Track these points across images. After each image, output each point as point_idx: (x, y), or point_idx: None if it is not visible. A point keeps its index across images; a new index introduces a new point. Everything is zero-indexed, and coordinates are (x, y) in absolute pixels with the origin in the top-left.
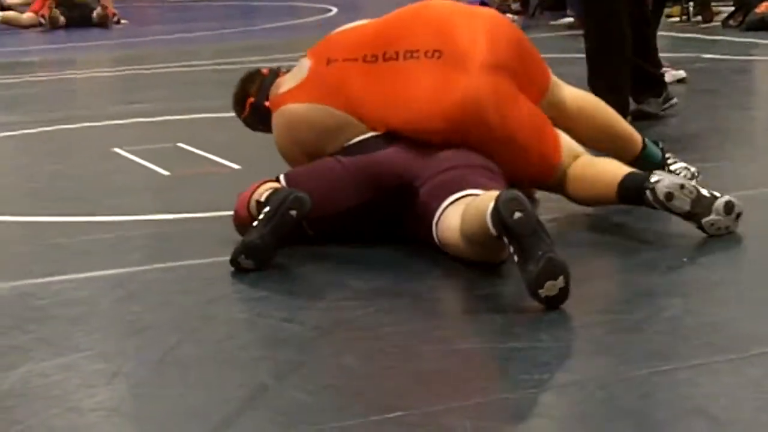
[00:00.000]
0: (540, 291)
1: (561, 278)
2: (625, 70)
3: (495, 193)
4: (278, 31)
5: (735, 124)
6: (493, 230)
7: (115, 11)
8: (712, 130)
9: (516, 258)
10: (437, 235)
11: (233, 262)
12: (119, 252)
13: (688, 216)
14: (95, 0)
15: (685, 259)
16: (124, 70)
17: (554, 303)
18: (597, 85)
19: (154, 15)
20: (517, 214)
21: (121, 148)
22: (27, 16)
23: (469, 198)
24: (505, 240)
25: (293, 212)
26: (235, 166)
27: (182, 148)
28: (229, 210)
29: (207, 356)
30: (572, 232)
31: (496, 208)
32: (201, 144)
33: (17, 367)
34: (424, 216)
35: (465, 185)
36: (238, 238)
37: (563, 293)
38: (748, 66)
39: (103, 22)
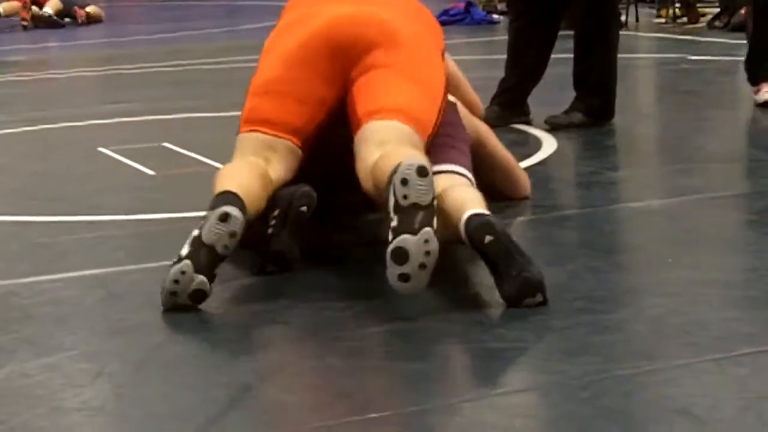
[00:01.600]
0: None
1: (538, 294)
2: None
3: (467, 199)
4: (264, 31)
5: (719, 124)
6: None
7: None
8: (695, 131)
9: (493, 278)
10: None
11: (261, 272)
12: (103, 252)
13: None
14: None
15: (669, 260)
16: (109, 70)
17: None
18: None
19: (140, 14)
20: (488, 238)
21: (106, 147)
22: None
23: (449, 177)
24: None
25: (304, 208)
26: (221, 166)
27: (168, 148)
28: None
29: (190, 356)
30: (556, 232)
31: (468, 235)
32: (186, 144)
33: (1, 367)
34: None
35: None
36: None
37: (542, 305)
38: (733, 67)
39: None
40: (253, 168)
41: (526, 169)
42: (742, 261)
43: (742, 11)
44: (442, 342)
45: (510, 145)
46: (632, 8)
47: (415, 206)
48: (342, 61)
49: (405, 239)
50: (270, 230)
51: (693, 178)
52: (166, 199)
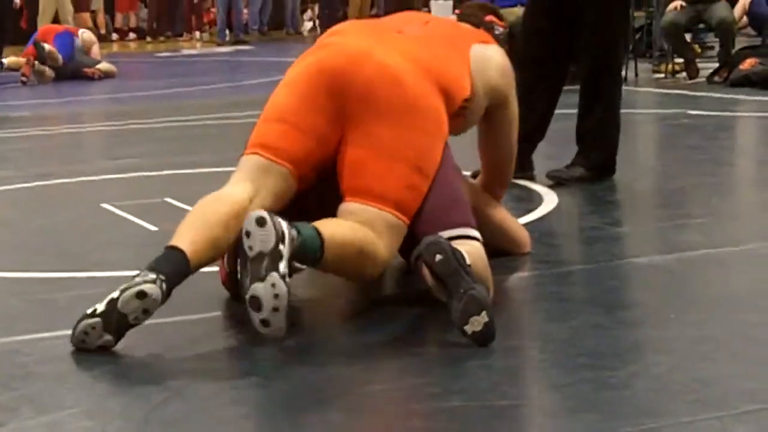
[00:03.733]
0: (466, 327)
1: (484, 313)
2: None
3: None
4: (268, 86)
5: (719, 180)
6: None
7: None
8: (696, 186)
9: (444, 298)
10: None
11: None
12: None
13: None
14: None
15: (672, 316)
16: (112, 125)
17: (481, 339)
18: None
19: (142, 70)
20: (438, 257)
21: (108, 203)
22: (24, 60)
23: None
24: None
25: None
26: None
27: (170, 204)
28: (215, 266)
29: (193, 414)
30: (558, 288)
31: (419, 253)
32: (189, 199)
33: (2, 426)
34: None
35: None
36: (225, 294)
37: (488, 329)
38: (733, 122)
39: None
40: (230, 205)
41: (528, 224)
42: (744, 317)
43: (744, 64)
44: (447, 400)
45: (512, 200)
46: (632, 63)
47: (261, 254)
48: (339, 101)
49: (256, 287)
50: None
51: (695, 233)
52: None
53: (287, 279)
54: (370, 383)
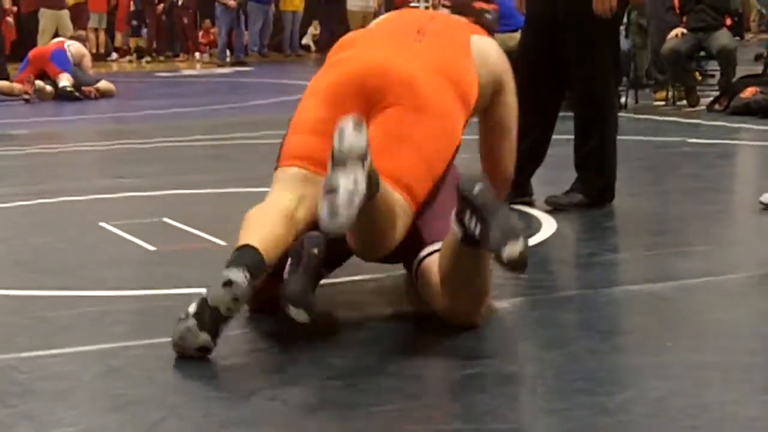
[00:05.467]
0: (503, 250)
1: (521, 240)
2: None
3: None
4: (268, 108)
5: (718, 207)
6: (456, 218)
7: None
8: (695, 214)
9: (480, 231)
10: (418, 283)
11: (285, 315)
12: (103, 327)
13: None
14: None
15: (669, 343)
16: (112, 145)
17: (515, 266)
18: None
19: (142, 89)
20: (478, 186)
21: (106, 222)
22: (18, 86)
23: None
24: (470, 217)
25: (315, 250)
26: (221, 243)
27: (168, 224)
28: None
29: None
30: (556, 313)
31: (458, 187)
32: (187, 219)
33: None
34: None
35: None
36: None
37: (523, 258)
38: (733, 150)
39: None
40: (279, 210)
41: None
42: (742, 344)
43: (745, 93)
44: (443, 422)
45: None
46: (631, 90)
47: (351, 149)
48: (366, 105)
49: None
50: (286, 274)
51: (693, 261)
52: (165, 274)
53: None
54: (367, 405)
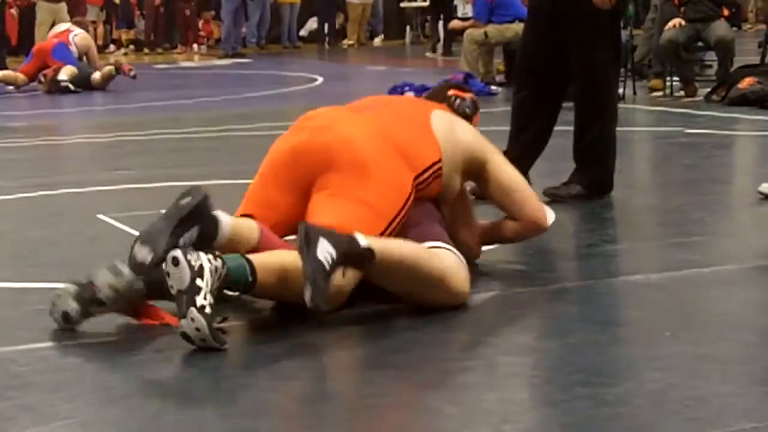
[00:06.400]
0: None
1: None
2: None
3: None
4: (266, 100)
5: (716, 198)
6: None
7: (131, 66)
8: (693, 204)
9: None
10: None
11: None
12: (102, 319)
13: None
14: (88, 66)
15: (667, 334)
16: (111, 137)
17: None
18: None
19: (142, 82)
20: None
21: (105, 214)
22: (21, 77)
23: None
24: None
25: (186, 200)
26: None
27: None
28: None
29: (188, 426)
30: (555, 305)
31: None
32: None
33: None
34: None
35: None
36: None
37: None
38: (731, 141)
39: (105, 83)
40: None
41: (524, 241)
42: (740, 336)
43: (743, 83)
44: (443, 414)
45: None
46: (629, 81)
47: (179, 292)
48: (301, 171)
49: (182, 324)
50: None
51: (691, 252)
52: None
53: (207, 310)
54: (365, 397)
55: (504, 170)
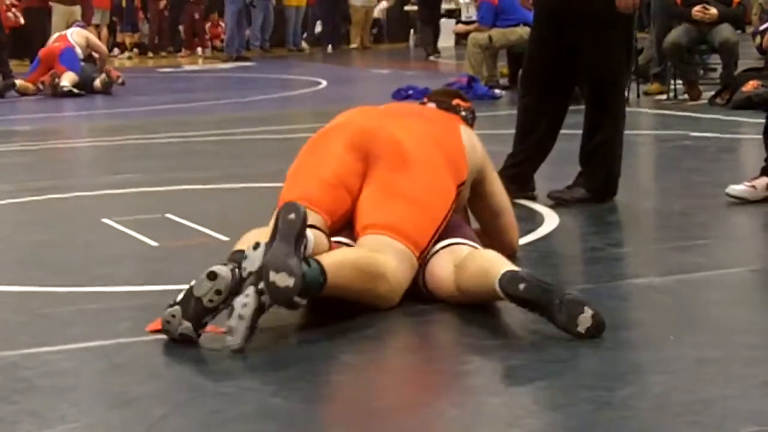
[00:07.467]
0: (578, 329)
1: (586, 308)
2: None
3: (494, 262)
4: (270, 103)
5: (720, 201)
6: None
7: (119, 74)
8: (697, 208)
9: (544, 318)
10: (423, 278)
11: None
12: (106, 323)
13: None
14: (94, 69)
15: (671, 337)
16: (114, 140)
17: (595, 331)
18: None
19: (143, 85)
20: (521, 285)
21: (109, 218)
22: (32, 87)
23: (456, 248)
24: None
25: (291, 215)
26: (224, 238)
27: (171, 219)
28: None
29: (193, 429)
30: None
31: (503, 290)
32: (190, 215)
33: None
34: None
35: (449, 234)
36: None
37: (596, 319)
38: (735, 144)
39: (106, 90)
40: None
41: (529, 244)
42: (744, 339)
43: (747, 86)
44: (447, 415)
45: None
46: (633, 85)
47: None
48: (361, 155)
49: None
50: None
51: (696, 255)
52: (168, 270)
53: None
54: (371, 400)
55: (496, 192)
